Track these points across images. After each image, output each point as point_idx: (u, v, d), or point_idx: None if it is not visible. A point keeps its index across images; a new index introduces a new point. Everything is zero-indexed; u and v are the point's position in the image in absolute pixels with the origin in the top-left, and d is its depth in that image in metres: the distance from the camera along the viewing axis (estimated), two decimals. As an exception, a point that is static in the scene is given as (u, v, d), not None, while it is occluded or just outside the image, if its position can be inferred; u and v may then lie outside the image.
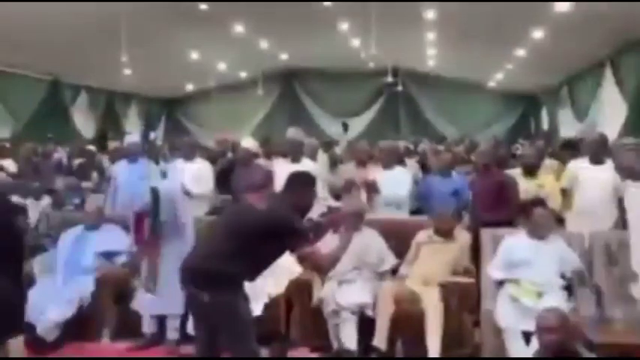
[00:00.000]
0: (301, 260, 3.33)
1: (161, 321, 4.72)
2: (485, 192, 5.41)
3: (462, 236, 4.86)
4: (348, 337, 4.31)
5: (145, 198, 5.75)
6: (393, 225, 5.11)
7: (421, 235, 4.86)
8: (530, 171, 5.66)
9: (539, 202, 4.52)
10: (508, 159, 7.93)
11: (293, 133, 6.19)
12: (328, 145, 11.46)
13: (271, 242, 3.19)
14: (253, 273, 3.30)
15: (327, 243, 3.65)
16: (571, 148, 6.17)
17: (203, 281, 3.12)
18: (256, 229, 3.16)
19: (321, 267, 3.42)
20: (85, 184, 8.06)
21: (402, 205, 5.79)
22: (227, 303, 3.10)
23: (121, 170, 6.28)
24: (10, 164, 9.83)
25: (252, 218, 3.22)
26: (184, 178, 6.00)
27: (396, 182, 5.77)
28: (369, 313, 4.39)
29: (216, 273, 3.10)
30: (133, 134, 6.93)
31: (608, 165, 5.32)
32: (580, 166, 5.49)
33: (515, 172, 5.77)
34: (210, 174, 6.40)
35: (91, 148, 11.47)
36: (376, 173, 5.94)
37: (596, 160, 5.32)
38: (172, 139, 12.24)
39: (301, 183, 3.44)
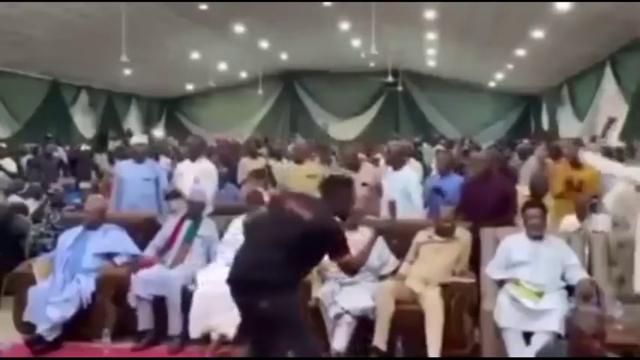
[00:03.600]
0: (340, 266, 3.37)
1: (158, 319, 4.74)
2: (486, 198, 5.38)
3: (464, 236, 4.86)
4: (341, 340, 4.30)
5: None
6: (393, 225, 5.10)
7: (421, 235, 4.86)
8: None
9: (534, 203, 4.52)
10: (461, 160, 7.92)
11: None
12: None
13: (319, 249, 3.27)
14: (301, 277, 3.40)
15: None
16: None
17: (257, 291, 3.10)
18: (307, 240, 3.17)
19: (355, 270, 3.44)
20: (84, 185, 8.07)
21: (413, 202, 5.72)
22: (284, 307, 3.11)
23: (126, 170, 6.23)
24: (8, 163, 9.85)
25: (302, 230, 3.20)
26: (189, 179, 6.03)
27: (406, 182, 5.78)
28: (371, 316, 4.39)
29: (271, 282, 3.09)
30: (139, 135, 6.89)
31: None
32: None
33: None
34: (214, 174, 6.39)
35: (87, 148, 11.49)
36: (370, 175, 5.95)
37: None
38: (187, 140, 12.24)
39: (339, 187, 3.46)
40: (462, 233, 4.88)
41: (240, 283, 3.21)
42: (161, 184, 6.16)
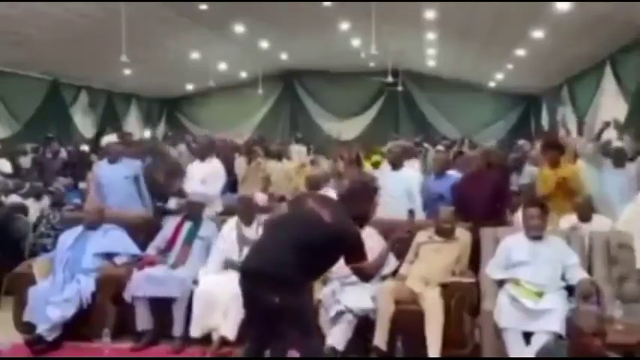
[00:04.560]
0: (355, 271, 3.40)
1: (157, 319, 4.74)
2: (478, 195, 5.40)
3: (463, 236, 4.86)
4: (338, 337, 4.30)
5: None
6: (392, 225, 5.09)
7: (421, 236, 4.86)
8: None
9: (534, 203, 4.53)
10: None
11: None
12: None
13: (337, 253, 3.31)
14: (316, 277, 3.50)
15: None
16: (556, 149, 5.98)
17: (272, 285, 3.11)
18: (326, 242, 3.21)
19: (370, 277, 3.50)
20: (84, 185, 8.06)
21: (415, 202, 5.67)
22: (296, 305, 3.14)
23: (103, 170, 6.18)
24: (3, 164, 9.85)
25: (322, 232, 3.23)
26: (194, 180, 6.03)
27: (409, 181, 5.79)
28: (372, 316, 4.39)
29: (285, 279, 3.11)
30: (111, 134, 6.80)
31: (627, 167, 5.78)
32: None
33: None
34: (222, 173, 6.38)
35: (84, 148, 11.47)
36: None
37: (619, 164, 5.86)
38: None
39: (362, 193, 3.48)
40: (462, 233, 4.88)
41: (252, 275, 3.22)
42: (140, 182, 6.15)
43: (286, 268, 3.11)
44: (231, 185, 7.20)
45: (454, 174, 6.22)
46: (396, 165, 5.93)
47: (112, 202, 5.89)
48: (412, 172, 6.18)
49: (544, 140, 6.66)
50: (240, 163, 8.08)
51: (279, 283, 3.10)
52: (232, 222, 5.14)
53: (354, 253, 3.29)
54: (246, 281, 3.24)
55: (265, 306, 3.14)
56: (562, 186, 5.57)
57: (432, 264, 4.65)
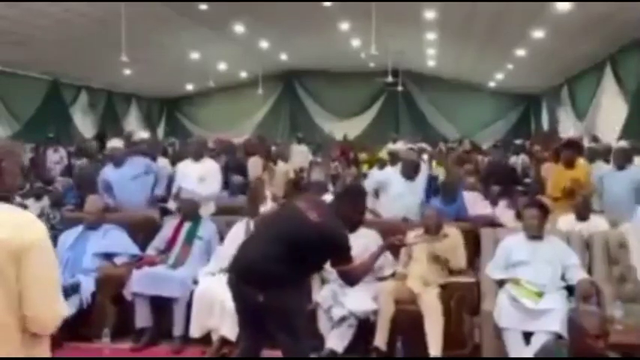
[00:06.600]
0: (340, 274, 3.37)
1: (157, 318, 4.75)
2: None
3: (452, 233, 4.85)
4: (339, 341, 4.30)
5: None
6: (391, 226, 5.10)
7: (411, 236, 4.83)
8: None
9: (533, 203, 4.53)
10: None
11: None
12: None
13: (323, 254, 3.29)
14: (303, 277, 3.42)
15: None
16: (575, 148, 6.08)
17: (258, 282, 3.11)
18: (311, 242, 3.19)
19: (356, 281, 3.43)
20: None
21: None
22: (283, 305, 3.11)
23: (110, 174, 6.17)
24: None
25: (307, 231, 3.21)
26: (192, 179, 6.02)
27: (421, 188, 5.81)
28: (372, 318, 4.39)
29: (271, 277, 3.10)
30: (115, 139, 6.74)
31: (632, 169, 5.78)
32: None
33: None
34: (217, 174, 6.37)
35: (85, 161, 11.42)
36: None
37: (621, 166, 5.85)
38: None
39: (354, 195, 3.48)
40: (450, 230, 4.86)
41: (239, 272, 3.22)
42: (153, 176, 6.19)
43: (271, 266, 3.10)
44: (242, 186, 7.12)
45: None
46: (410, 176, 5.84)
47: (123, 203, 5.94)
48: (422, 168, 6.15)
49: (549, 140, 6.74)
50: (255, 163, 8.01)
51: (265, 280, 3.10)
52: (241, 223, 5.13)
53: (339, 255, 3.24)
54: (234, 279, 3.25)
55: (252, 305, 3.14)
56: (573, 186, 5.63)
57: (428, 263, 4.63)
